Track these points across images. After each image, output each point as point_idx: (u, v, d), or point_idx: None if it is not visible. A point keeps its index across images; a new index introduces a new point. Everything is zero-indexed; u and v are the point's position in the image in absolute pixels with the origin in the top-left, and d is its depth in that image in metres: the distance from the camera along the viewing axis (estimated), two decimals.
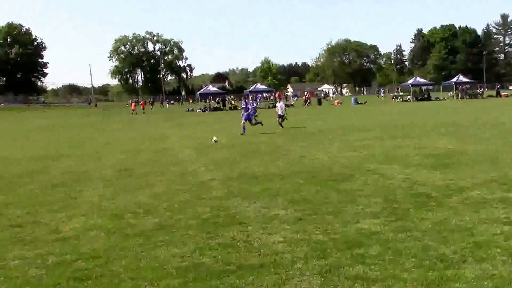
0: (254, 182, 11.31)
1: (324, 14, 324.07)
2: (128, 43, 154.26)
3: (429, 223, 7.25)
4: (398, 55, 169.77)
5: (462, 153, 14.51)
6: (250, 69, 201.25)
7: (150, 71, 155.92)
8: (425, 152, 14.99)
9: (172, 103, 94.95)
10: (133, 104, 71.42)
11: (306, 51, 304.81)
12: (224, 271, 5.66)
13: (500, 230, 6.76)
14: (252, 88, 77.89)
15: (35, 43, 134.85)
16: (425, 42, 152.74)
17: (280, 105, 28.26)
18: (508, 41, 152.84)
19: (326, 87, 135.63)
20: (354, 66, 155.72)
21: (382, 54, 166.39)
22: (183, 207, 9.05)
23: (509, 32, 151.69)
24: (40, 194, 10.94)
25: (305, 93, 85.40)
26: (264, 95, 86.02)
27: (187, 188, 10.85)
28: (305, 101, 73.03)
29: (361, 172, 12.01)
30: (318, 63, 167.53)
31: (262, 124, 27.08)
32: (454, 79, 76.45)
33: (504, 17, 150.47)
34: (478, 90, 74.24)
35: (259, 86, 79.36)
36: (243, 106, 27.65)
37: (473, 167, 12.05)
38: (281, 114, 27.44)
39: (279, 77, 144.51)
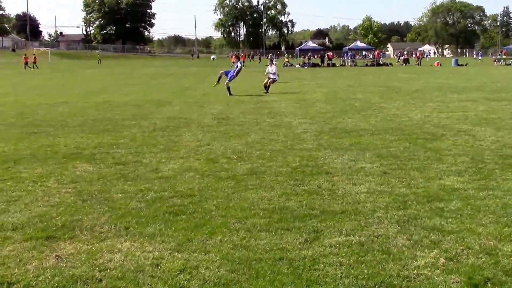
0: (345, 136, 11.39)
1: None
2: None
3: None
4: (505, 17, 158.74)
5: None
6: (352, 27, 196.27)
7: (252, 25, 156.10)
8: None
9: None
10: (233, 56, 72.27)
11: (409, 10, 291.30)
12: (307, 215, 5.92)
13: None
14: (351, 45, 76.42)
15: None
16: None
17: (271, 68, 24.34)
18: None
19: (427, 48, 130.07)
20: (458, 27, 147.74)
21: (488, 15, 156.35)
22: (274, 155, 9.33)
23: None
24: (144, 137, 11.57)
25: (405, 52, 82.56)
26: (364, 53, 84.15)
27: (280, 139, 11.12)
28: (404, 61, 70.74)
29: (452, 132, 11.74)
30: (421, 22, 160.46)
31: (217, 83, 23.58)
32: None
33: None
34: None
35: (359, 43, 77.68)
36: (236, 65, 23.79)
37: None
38: (273, 77, 24.13)
39: (380, 35, 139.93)
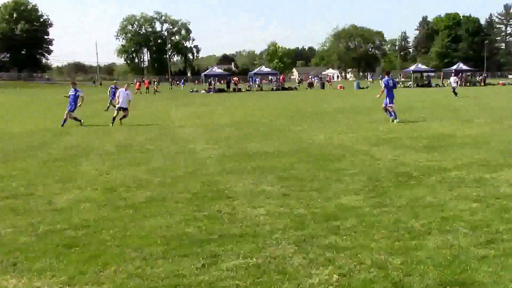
0: (248, 160, 11.57)
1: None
2: (136, 23, 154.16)
3: (405, 200, 7.52)
4: (403, 42, 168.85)
5: (451, 136, 14.75)
6: (257, 52, 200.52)
7: (156, 51, 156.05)
8: (417, 135, 15.23)
9: (177, 84, 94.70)
10: (137, 83, 71.43)
11: (313, 36, 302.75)
12: (205, 240, 5.95)
13: (468, 207, 7.04)
14: (257, 70, 77.97)
15: (41, 19, 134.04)
16: (429, 30, 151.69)
17: (123, 93, 21.43)
18: (509, 31, 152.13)
19: (330, 72, 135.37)
20: (359, 52, 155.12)
21: (387, 40, 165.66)
22: (175, 182, 9.31)
23: (511, 23, 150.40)
24: (39, 168, 11.15)
25: (310, 77, 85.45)
26: (269, 77, 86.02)
27: (183, 165, 11.11)
28: (309, 85, 73.24)
29: (352, 152, 12.26)
30: (324, 47, 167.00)
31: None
32: (455, 67, 76.29)
33: (507, 7, 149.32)
34: (477, 78, 74.10)
35: (264, 68, 79.41)
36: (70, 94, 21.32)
37: (459, 149, 12.29)
38: (122, 106, 21.31)
39: (285, 60, 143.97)
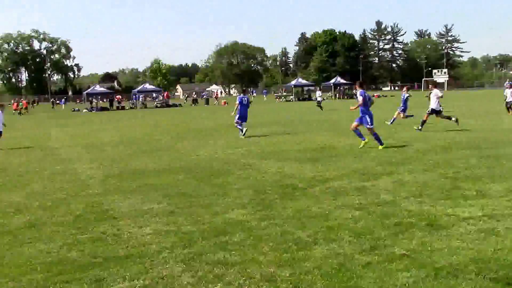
0: (133, 178, 11.24)
1: (214, 17, 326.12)
2: (12, 41, 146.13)
3: (291, 211, 7.63)
4: (284, 57, 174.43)
5: (333, 148, 15.30)
6: (140, 69, 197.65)
7: (35, 70, 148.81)
8: (301, 147, 15.65)
9: (58, 103, 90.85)
10: (14, 103, 67.63)
11: (197, 53, 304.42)
12: (90, 264, 5.63)
13: (351, 215, 7.28)
14: (140, 87, 76.76)
15: None
16: (308, 45, 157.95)
17: None
18: (382, 46, 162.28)
19: (214, 88, 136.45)
20: (242, 68, 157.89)
21: (269, 56, 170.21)
22: (56, 205, 8.80)
23: (383, 38, 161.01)
24: None
25: (193, 93, 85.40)
26: (154, 95, 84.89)
27: (64, 187, 10.56)
28: (193, 101, 73.24)
29: (238, 166, 12.31)
30: (208, 64, 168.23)
31: None
32: (333, 80, 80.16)
33: (379, 23, 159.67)
34: (354, 91, 78.15)
35: (148, 86, 78.35)
36: None
37: (340, 160, 12.77)
38: None
39: (169, 77, 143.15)
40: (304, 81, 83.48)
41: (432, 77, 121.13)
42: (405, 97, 25.00)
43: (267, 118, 33.21)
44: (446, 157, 12.66)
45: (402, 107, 24.83)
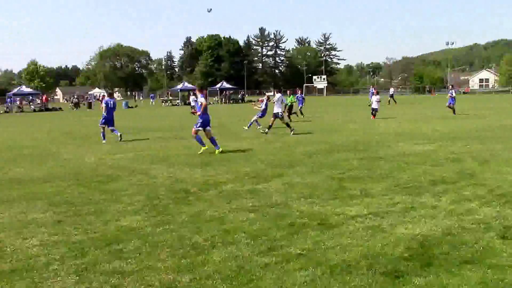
0: (13, 187, 10.53)
1: (97, 17, 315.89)
2: None
3: (186, 216, 7.55)
4: (169, 61, 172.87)
5: (223, 152, 15.36)
6: (16, 71, 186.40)
7: None
8: (190, 152, 15.55)
9: None
10: None
11: (78, 54, 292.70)
12: None
13: (246, 217, 7.36)
14: (16, 90, 72.53)
15: None
16: (193, 50, 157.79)
17: None
18: (265, 52, 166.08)
19: (97, 91, 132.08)
20: (126, 71, 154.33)
21: (154, 60, 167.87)
22: None
23: (266, 44, 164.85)
24: None
25: (74, 96, 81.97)
26: (30, 98, 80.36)
27: None
28: (75, 105, 70.43)
29: (127, 172, 11.98)
30: (89, 66, 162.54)
31: None
32: (219, 85, 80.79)
33: (262, 30, 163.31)
34: (239, 96, 79.39)
35: (24, 88, 74.23)
36: None
37: (231, 163, 12.87)
38: None
39: (48, 79, 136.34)
40: (190, 86, 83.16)
41: (313, 83, 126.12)
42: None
43: (155, 123, 32.71)
44: (330, 159, 13.20)
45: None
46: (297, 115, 31.09)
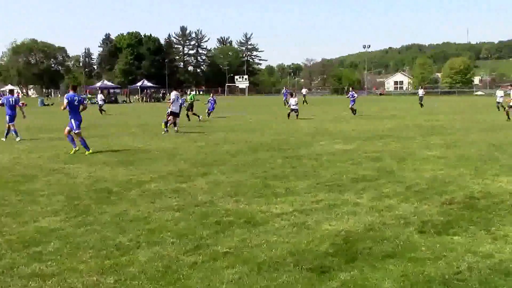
0: None
1: (10, 10, 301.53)
2: None
3: (109, 216, 7.34)
4: (87, 58, 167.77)
5: (145, 150, 15.10)
6: None
7: None
8: (111, 150, 15.15)
9: None
10: None
11: None
12: None
13: (172, 216, 7.25)
14: None
15: None
16: (113, 47, 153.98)
17: None
18: (186, 51, 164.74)
19: (10, 87, 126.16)
20: (42, 67, 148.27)
21: (71, 56, 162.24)
22: None
23: (187, 43, 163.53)
24: None
25: None
26: None
27: None
28: None
29: (45, 172, 11.49)
30: (1, 62, 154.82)
31: None
32: (139, 83, 79.46)
33: (183, 29, 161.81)
34: (160, 94, 78.50)
35: None
36: None
37: (154, 162, 12.66)
38: None
39: None
40: (110, 83, 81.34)
41: (234, 83, 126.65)
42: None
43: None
44: (255, 157, 13.29)
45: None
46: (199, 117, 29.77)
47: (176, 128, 21.35)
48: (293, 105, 30.07)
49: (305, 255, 5.54)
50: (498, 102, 34.57)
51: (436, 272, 5.02)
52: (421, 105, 42.88)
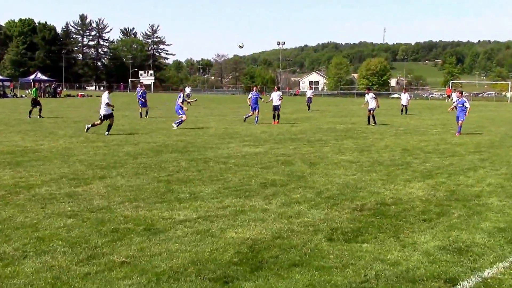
0: None
1: None
2: None
3: None
4: None
5: (36, 151, 14.55)
6: None
7: None
8: None
9: None
10: None
11: None
12: None
13: (64, 223, 7.08)
14: None
15: None
16: (2, 35, 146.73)
17: None
18: (86, 42, 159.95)
19: None
20: None
21: None
22: None
23: (87, 34, 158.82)
24: None
25: None
26: None
27: None
28: None
29: None
30: None
31: None
32: (32, 76, 76.41)
33: (83, 17, 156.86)
34: (57, 89, 75.79)
35: None
36: None
37: (45, 164, 12.23)
38: None
39: None
40: None
41: (139, 77, 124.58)
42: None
43: None
44: (158, 160, 13.19)
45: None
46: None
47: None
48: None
49: (208, 264, 5.59)
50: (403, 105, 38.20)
51: (343, 280, 5.24)
52: (309, 107, 41.79)
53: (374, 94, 29.22)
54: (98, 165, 12.24)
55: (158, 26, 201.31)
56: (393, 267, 5.66)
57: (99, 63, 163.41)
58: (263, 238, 6.60)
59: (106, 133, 19.58)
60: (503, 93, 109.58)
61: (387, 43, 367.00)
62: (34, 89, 31.98)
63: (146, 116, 29.81)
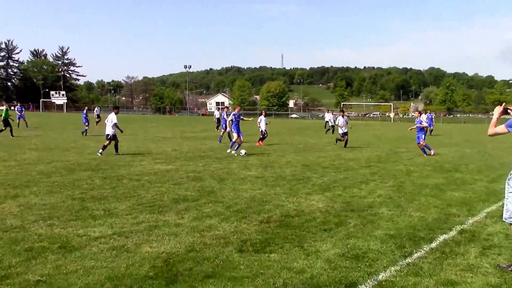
0: None
1: None
2: None
3: None
4: None
5: None
6: None
7: None
8: None
9: None
10: None
11: None
12: None
13: None
14: None
15: None
16: None
17: None
18: None
19: None
20: None
21: None
22: None
23: None
24: None
25: None
26: None
27: None
28: None
29: None
30: None
31: None
32: None
33: None
34: None
35: None
36: None
37: None
38: None
39: None
40: None
41: (50, 98, 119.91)
42: None
43: None
44: (71, 178, 12.68)
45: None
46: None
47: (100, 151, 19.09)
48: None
49: (124, 280, 5.41)
50: (327, 122, 41.16)
51: None
52: (217, 127, 38.72)
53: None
54: (10, 184, 11.59)
55: (68, 48, 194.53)
56: (299, 274, 5.72)
57: (9, 84, 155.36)
58: (177, 252, 6.48)
59: (100, 151, 18.77)
60: (387, 114, 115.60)
61: (285, 68, 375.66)
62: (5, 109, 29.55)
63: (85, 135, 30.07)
